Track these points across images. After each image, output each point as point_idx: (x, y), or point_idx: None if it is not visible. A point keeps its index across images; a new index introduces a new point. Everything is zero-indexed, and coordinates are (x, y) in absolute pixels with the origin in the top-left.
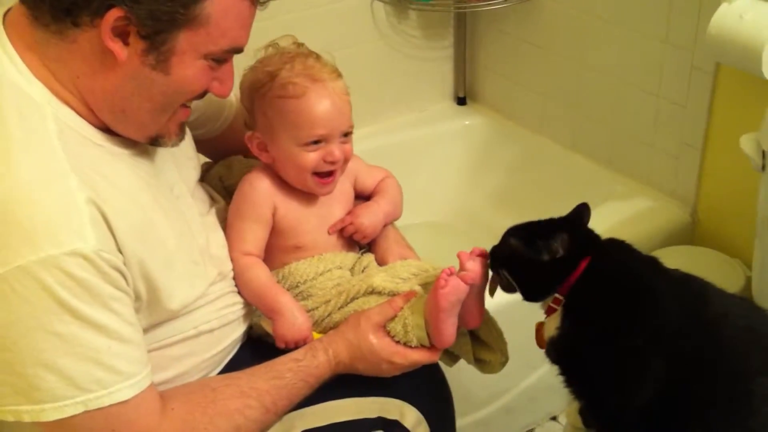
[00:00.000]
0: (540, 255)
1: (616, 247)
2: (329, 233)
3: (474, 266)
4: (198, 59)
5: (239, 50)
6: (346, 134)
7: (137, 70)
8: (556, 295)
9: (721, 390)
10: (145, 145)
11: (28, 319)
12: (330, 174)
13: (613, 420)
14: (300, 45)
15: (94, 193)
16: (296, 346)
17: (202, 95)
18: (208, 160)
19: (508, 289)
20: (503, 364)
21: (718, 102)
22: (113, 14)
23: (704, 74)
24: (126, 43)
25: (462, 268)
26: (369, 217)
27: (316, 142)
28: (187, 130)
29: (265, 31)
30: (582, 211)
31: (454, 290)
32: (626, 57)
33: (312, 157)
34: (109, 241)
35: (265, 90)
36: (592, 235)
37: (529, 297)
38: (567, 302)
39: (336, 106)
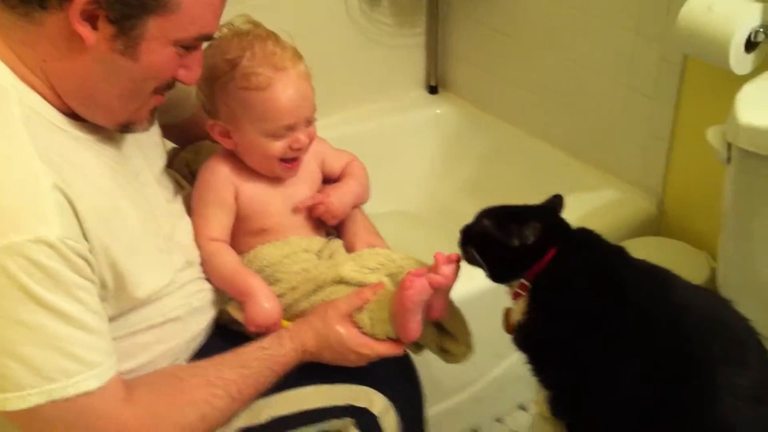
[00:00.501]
0: (510, 240)
1: (584, 236)
2: (297, 211)
3: (448, 271)
4: (167, 46)
5: (209, 37)
6: (310, 119)
7: (105, 55)
8: (523, 280)
9: (684, 378)
10: (110, 131)
11: None
12: (295, 158)
13: (579, 408)
14: (257, 25)
15: (60, 179)
16: (266, 331)
17: (171, 85)
18: (174, 146)
19: (473, 263)
20: (466, 355)
21: (686, 94)
22: None
23: (672, 66)
24: (95, 28)
25: (436, 269)
26: (339, 197)
27: (282, 132)
28: None
29: (234, 16)
30: (556, 202)
31: (419, 292)
32: (597, 47)
33: (278, 146)
34: (74, 228)
35: (226, 80)
36: (563, 225)
37: (494, 277)
38: (533, 288)
39: (300, 93)
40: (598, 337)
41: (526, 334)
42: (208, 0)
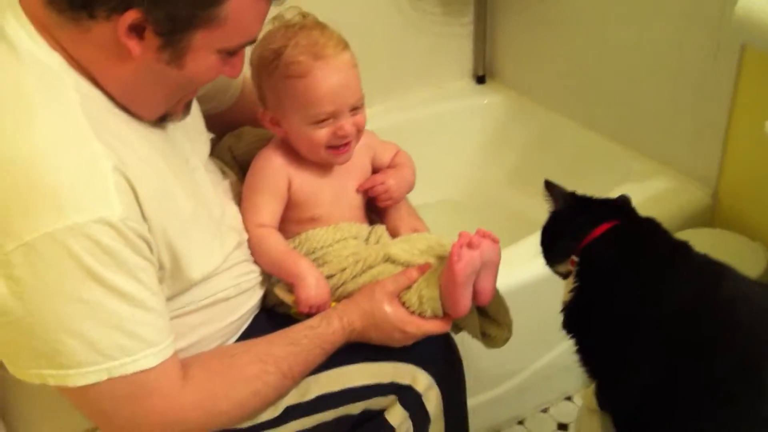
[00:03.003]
0: (552, 207)
1: (643, 220)
2: (358, 191)
3: (477, 239)
4: (212, 54)
5: (252, 42)
6: (356, 107)
7: (151, 64)
8: (573, 257)
9: (731, 373)
10: None
11: (53, 285)
12: (345, 144)
13: (624, 400)
14: (306, 16)
15: (119, 160)
16: (317, 310)
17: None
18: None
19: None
20: (507, 340)
21: (744, 83)
22: (131, 15)
23: (729, 54)
24: (141, 38)
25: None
26: (397, 180)
27: (325, 119)
28: (197, 105)
29: (281, 10)
30: (624, 199)
31: (469, 263)
32: (647, 35)
33: (322, 134)
34: (134, 209)
35: (271, 69)
36: (625, 209)
37: (547, 255)
38: (579, 262)
39: (343, 81)
40: (642, 322)
41: (572, 314)
42: (255, 12)
